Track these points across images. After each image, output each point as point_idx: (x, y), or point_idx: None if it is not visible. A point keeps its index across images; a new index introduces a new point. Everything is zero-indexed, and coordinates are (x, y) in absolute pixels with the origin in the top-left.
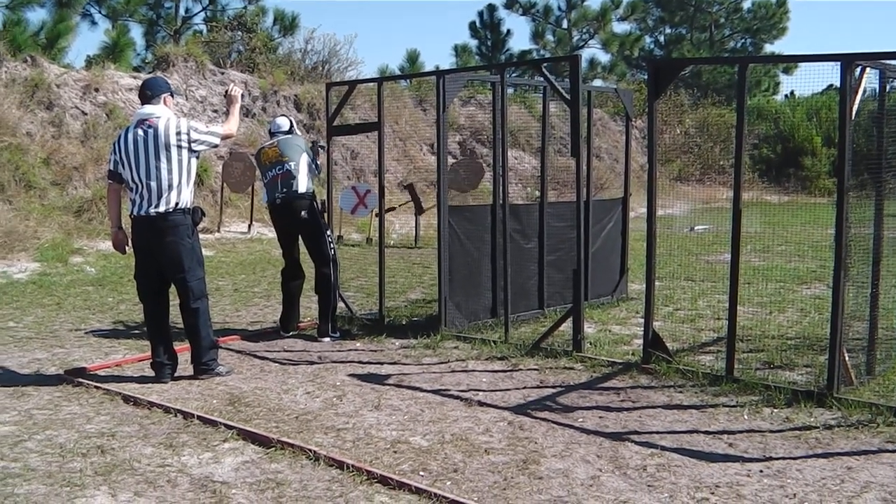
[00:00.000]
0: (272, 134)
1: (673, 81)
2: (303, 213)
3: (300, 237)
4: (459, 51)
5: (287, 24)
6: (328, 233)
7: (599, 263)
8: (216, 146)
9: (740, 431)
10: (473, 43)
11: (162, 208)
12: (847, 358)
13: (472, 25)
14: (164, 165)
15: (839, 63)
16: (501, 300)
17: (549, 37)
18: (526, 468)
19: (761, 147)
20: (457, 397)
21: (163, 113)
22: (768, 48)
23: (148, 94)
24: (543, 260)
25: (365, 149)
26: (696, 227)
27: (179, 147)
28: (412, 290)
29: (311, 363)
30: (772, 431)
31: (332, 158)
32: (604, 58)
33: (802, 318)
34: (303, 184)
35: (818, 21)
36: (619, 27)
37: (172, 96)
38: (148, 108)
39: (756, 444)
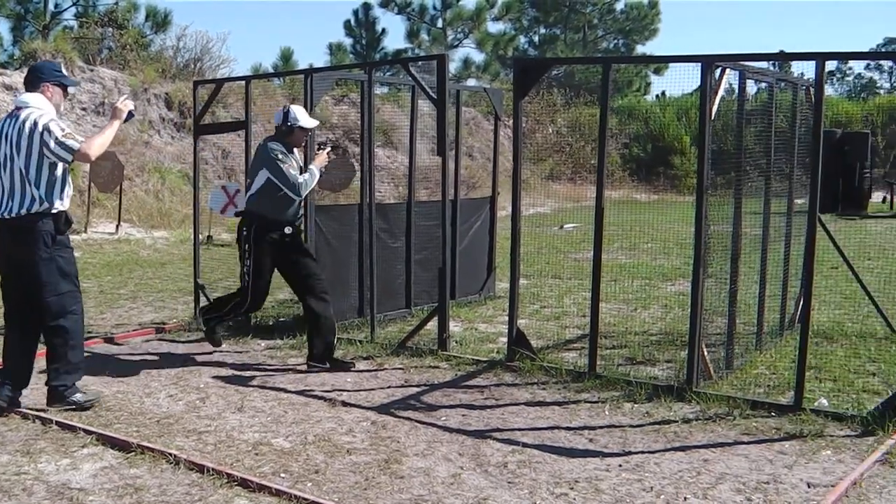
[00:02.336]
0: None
1: (539, 81)
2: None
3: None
4: (334, 49)
5: (159, 21)
6: (247, 261)
7: (467, 262)
8: (68, 163)
9: (601, 427)
10: (348, 41)
11: (15, 211)
12: (706, 353)
13: (346, 24)
14: (19, 162)
15: (700, 64)
16: (368, 299)
17: (424, 36)
18: (388, 468)
19: (632, 146)
20: (321, 398)
21: (35, 103)
22: (640, 49)
23: (29, 78)
24: (411, 259)
25: (237, 148)
26: (565, 226)
27: (34, 144)
28: (280, 290)
29: (175, 366)
30: (632, 426)
31: (202, 157)
32: (478, 57)
33: (666, 315)
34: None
35: (689, 22)
36: (494, 27)
37: (63, 86)
38: (24, 97)
39: (616, 439)
